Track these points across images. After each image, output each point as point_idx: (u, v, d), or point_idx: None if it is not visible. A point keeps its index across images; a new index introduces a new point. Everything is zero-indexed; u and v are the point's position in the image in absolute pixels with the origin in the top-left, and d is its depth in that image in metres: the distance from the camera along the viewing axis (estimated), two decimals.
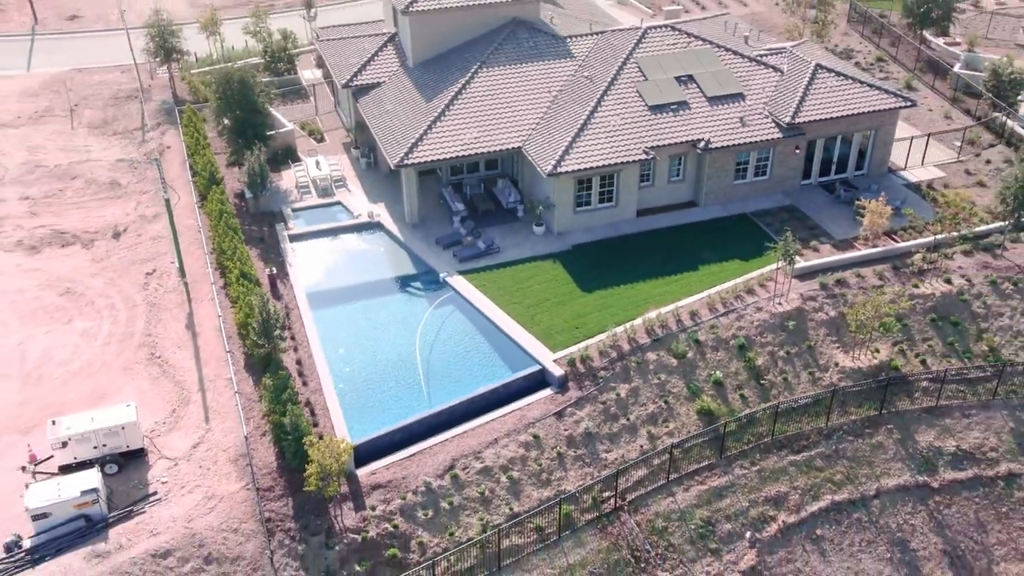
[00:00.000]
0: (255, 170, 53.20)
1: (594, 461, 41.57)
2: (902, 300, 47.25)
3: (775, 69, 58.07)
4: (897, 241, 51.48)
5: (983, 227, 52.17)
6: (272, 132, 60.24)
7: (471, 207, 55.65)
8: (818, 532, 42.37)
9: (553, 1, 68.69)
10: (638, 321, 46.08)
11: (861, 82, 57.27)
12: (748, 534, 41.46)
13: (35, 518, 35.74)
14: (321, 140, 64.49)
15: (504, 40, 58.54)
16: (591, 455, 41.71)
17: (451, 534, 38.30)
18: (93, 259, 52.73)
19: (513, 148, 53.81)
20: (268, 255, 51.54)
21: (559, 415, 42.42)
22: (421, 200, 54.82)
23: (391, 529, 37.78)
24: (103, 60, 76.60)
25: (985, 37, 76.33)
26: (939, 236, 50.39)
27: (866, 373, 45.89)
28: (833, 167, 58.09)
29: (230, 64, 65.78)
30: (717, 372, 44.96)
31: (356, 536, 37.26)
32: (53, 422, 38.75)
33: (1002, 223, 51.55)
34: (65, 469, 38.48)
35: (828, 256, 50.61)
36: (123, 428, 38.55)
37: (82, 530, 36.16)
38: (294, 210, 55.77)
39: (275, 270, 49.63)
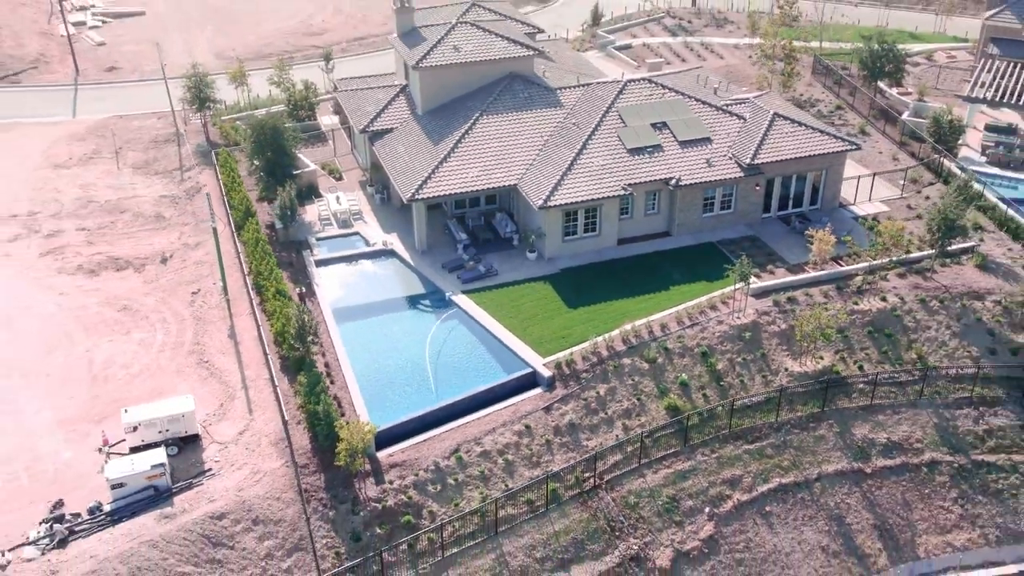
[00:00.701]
0: (286, 203, 61.34)
1: (577, 447, 49.23)
2: (840, 315, 55.16)
3: (739, 117, 66.42)
4: (841, 265, 59.47)
5: (916, 253, 60.21)
6: (297, 171, 68.47)
7: (473, 236, 63.70)
8: (767, 509, 49.92)
9: (546, 56, 77.21)
10: (616, 332, 53.88)
11: (813, 128, 65.65)
12: (707, 509, 48.98)
13: (113, 487, 43.34)
14: (340, 178, 72.69)
15: (502, 92, 66.97)
16: (574, 442, 49.38)
17: (456, 504, 45.88)
18: (145, 281, 60.76)
19: (510, 185, 62.03)
20: (297, 277, 59.44)
21: (547, 409, 50.13)
22: (429, 230, 62.81)
23: (406, 500, 45.35)
24: (141, 108, 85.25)
25: (935, 87, 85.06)
26: (875, 262, 58.41)
27: (811, 376, 53.66)
28: (790, 202, 66.22)
29: (258, 111, 74.25)
30: (683, 375, 52.74)
31: (377, 505, 44.83)
32: (126, 410, 46.52)
33: (931, 250, 59.61)
34: (134, 450, 46.13)
35: (782, 278, 58.50)
36: (183, 416, 46.32)
37: (151, 498, 43.78)
38: (318, 239, 63.78)
39: (304, 290, 57.60)
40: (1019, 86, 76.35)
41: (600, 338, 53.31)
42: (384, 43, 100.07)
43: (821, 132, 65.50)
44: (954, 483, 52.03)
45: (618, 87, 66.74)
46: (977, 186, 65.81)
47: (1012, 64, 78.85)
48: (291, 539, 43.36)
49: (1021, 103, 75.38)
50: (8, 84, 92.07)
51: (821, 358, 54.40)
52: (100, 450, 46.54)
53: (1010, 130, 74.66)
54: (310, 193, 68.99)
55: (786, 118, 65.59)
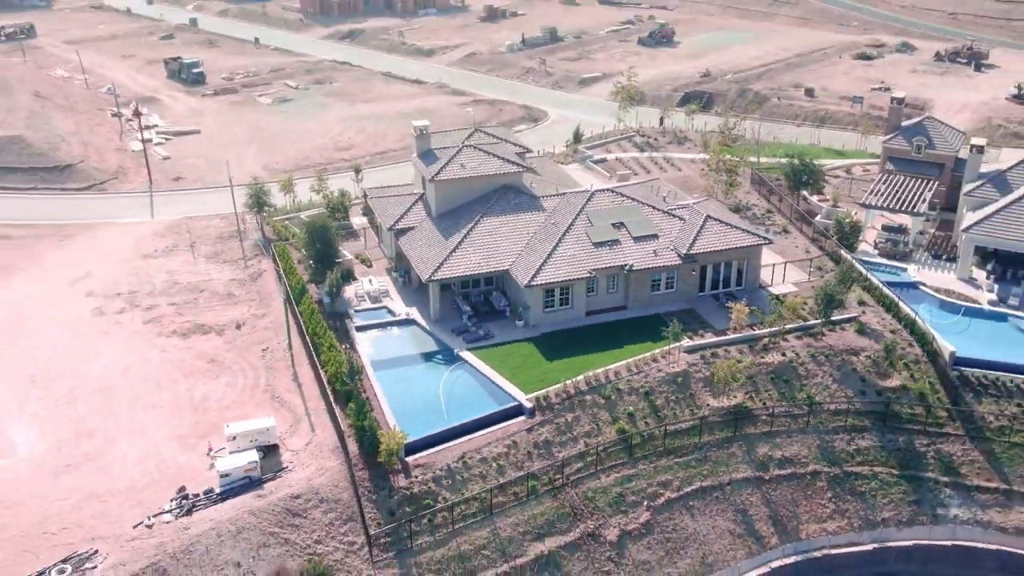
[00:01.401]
0: (334, 282, 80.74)
1: (550, 457, 67.46)
2: (751, 365, 73.95)
3: (680, 218, 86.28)
4: (754, 330, 78.48)
5: (811, 321, 79.29)
6: (339, 260, 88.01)
7: (475, 309, 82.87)
8: (690, 504, 67.90)
9: (532, 171, 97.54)
10: (581, 377, 72.48)
11: (736, 227, 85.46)
12: (645, 503, 66.96)
13: (221, 476, 61.60)
14: (370, 266, 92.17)
15: (498, 199, 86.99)
16: (548, 453, 67.64)
17: (462, 493, 63.96)
18: (225, 341, 79.75)
19: (503, 269, 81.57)
20: (341, 339, 78.36)
21: (529, 430, 68.51)
22: (441, 304, 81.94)
23: (427, 489, 63.43)
24: (206, 210, 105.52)
25: (848, 196, 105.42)
26: (774, 328, 77.57)
27: (726, 410, 72.15)
28: (720, 283, 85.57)
29: (303, 213, 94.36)
30: (630, 407, 71.23)
31: (406, 491, 62.92)
32: (228, 426, 65.06)
33: (818, 320, 78.82)
34: (232, 454, 64.42)
35: (709, 339, 77.44)
36: (267, 430, 64.89)
37: (247, 484, 61.96)
38: (356, 311, 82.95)
39: (348, 346, 76.55)
40: (909, 195, 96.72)
41: (569, 381, 71.97)
42: (401, 156, 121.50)
43: (742, 230, 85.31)
44: (830, 487, 70.14)
45: (587, 195, 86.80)
46: (864, 271, 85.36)
47: (905, 177, 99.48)
48: (346, 513, 61.41)
49: (912, 209, 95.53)
50: (96, 192, 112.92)
51: (735, 396, 72.93)
52: (207, 454, 64.97)
53: (900, 229, 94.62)
54: (347, 277, 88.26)
55: (716, 219, 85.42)
